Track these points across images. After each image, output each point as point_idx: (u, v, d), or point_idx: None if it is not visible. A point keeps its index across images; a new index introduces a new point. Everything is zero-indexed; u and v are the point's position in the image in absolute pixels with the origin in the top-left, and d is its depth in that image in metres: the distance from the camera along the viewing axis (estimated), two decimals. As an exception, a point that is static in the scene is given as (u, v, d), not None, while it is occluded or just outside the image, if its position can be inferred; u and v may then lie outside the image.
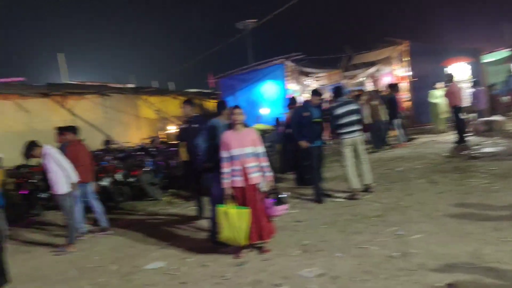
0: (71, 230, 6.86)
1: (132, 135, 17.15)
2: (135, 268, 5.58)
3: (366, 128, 7.88)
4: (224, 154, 5.43)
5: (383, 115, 12.38)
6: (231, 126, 5.55)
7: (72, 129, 7.73)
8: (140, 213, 8.92)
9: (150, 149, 12.28)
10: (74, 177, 6.86)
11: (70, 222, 6.83)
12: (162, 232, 7.15)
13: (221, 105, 6.28)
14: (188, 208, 8.56)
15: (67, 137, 7.60)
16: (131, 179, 9.70)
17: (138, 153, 11.86)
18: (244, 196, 5.34)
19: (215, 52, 25.96)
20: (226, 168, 5.40)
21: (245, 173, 5.33)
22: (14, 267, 6.08)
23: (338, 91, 7.90)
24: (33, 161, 10.45)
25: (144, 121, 18.77)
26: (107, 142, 13.23)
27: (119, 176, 9.59)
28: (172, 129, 18.27)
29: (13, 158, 10.22)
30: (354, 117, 7.54)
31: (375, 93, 13.22)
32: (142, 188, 9.87)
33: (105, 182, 9.17)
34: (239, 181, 5.34)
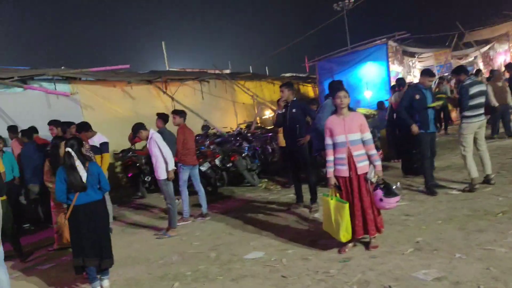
0: (172, 215, 6.93)
1: (229, 121, 17.32)
2: (234, 256, 5.43)
3: (486, 112, 6.92)
4: (327, 141, 5.03)
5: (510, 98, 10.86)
6: (335, 110, 5.12)
7: (182, 113, 7.77)
8: (238, 198, 8.85)
9: (247, 135, 12.23)
10: (172, 164, 6.92)
11: (171, 206, 6.91)
12: (260, 220, 6.96)
13: (335, 85, 5.86)
14: (286, 196, 8.30)
15: (176, 121, 7.66)
16: (228, 165, 9.68)
17: (235, 138, 11.86)
18: (350, 187, 4.90)
19: (311, 35, 25.30)
20: (329, 156, 5.00)
21: (351, 162, 4.89)
22: (121, 248, 6.29)
23: (462, 70, 7.04)
24: (138, 145, 10.98)
25: (240, 106, 18.88)
26: (205, 127, 13.45)
27: (217, 162, 9.61)
28: (268, 114, 18.15)
29: (120, 142, 10.77)
30: (483, 99, 6.70)
31: (499, 74, 11.64)
32: (240, 173, 9.81)
33: (204, 167, 9.23)
34: (344, 170, 4.91)
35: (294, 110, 6.98)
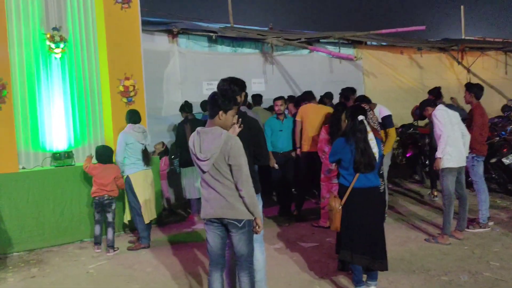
0: (445, 217, 5.35)
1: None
2: None
3: None
4: None
5: None
6: None
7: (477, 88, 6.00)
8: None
9: None
10: (464, 151, 5.30)
11: (445, 207, 5.33)
12: None
13: None
14: None
15: (466, 98, 5.99)
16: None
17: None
18: None
19: None
20: None
21: None
22: (393, 245, 5.09)
23: None
24: (420, 122, 9.50)
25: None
26: (508, 108, 10.79)
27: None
28: None
29: (401, 115, 9.52)
30: None
31: None
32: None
33: (509, 159, 7.11)
34: None
35: None
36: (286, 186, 6.88)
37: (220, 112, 3.26)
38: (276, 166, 6.38)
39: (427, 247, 5.25)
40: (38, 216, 5.80)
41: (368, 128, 3.94)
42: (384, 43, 11.33)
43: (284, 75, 9.60)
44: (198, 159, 3.27)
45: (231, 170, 3.22)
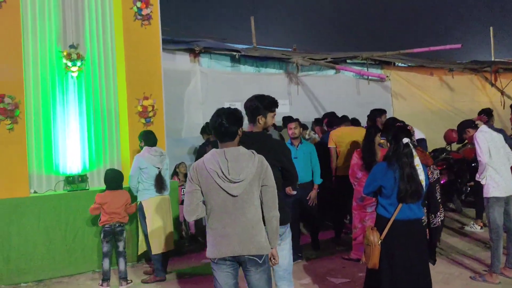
0: (493, 252, 4.77)
1: None
2: None
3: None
4: None
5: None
6: None
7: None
8: None
9: None
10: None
11: (493, 241, 4.77)
12: None
13: None
14: None
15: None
16: None
17: None
18: None
19: None
20: None
21: None
22: (436, 283, 4.53)
23: None
24: (453, 146, 8.94)
25: None
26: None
27: None
28: None
29: (431, 139, 8.99)
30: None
31: None
32: None
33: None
34: None
35: None
36: (311, 219, 6.35)
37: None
38: (293, 192, 5.82)
39: (474, 287, 4.68)
40: (49, 244, 5.43)
41: (414, 152, 3.49)
42: (408, 65, 10.92)
43: (310, 97, 9.23)
44: (228, 181, 2.85)
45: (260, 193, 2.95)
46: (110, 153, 6.17)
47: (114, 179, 5.18)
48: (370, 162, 4.94)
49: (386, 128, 5.04)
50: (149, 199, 5.22)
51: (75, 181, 5.70)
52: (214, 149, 2.98)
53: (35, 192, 5.65)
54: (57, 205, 5.52)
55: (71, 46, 5.89)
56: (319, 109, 9.17)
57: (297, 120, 6.21)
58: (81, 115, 5.99)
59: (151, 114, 6.11)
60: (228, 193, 2.87)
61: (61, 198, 5.59)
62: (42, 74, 5.75)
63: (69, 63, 5.86)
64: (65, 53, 5.84)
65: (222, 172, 2.85)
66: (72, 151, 5.91)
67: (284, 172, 3.46)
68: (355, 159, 5.43)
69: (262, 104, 3.38)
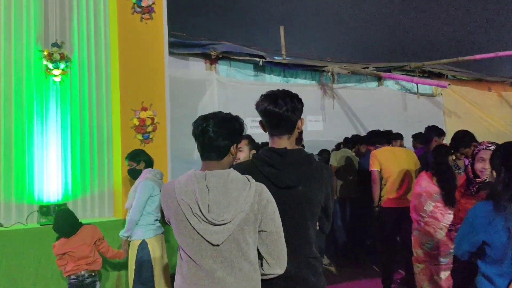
0: None
1: None
2: None
3: None
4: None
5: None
6: None
7: None
8: None
9: None
10: None
11: None
12: None
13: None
14: None
15: None
16: None
17: None
18: None
19: None
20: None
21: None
22: None
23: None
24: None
25: None
26: None
27: None
28: None
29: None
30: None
31: None
32: None
33: None
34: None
35: None
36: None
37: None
38: None
39: None
40: (12, 292, 4.24)
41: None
42: (462, 78, 9.49)
43: (347, 112, 7.87)
44: (206, 222, 1.82)
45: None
46: (99, 177, 4.97)
47: (64, 225, 3.83)
48: (451, 191, 3.49)
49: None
50: (157, 237, 4.08)
51: (51, 212, 4.50)
52: (193, 171, 1.90)
53: (0, 225, 4.49)
54: (25, 242, 4.35)
55: (54, 45, 4.76)
56: (359, 127, 7.81)
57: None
58: (64, 129, 4.83)
59: (150, 128, 4.89)
60: (205, 239, 1.82)
61: (31, 234, 4.41)
62: (15, 79, 4.66)
63: (51, 65, 4.72)
64: (45, 53, 4.71)
65: (199, 207, 1.81)
66: (51, 175, 4.74)
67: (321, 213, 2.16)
68: (425, 184, 3.89)
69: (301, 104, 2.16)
